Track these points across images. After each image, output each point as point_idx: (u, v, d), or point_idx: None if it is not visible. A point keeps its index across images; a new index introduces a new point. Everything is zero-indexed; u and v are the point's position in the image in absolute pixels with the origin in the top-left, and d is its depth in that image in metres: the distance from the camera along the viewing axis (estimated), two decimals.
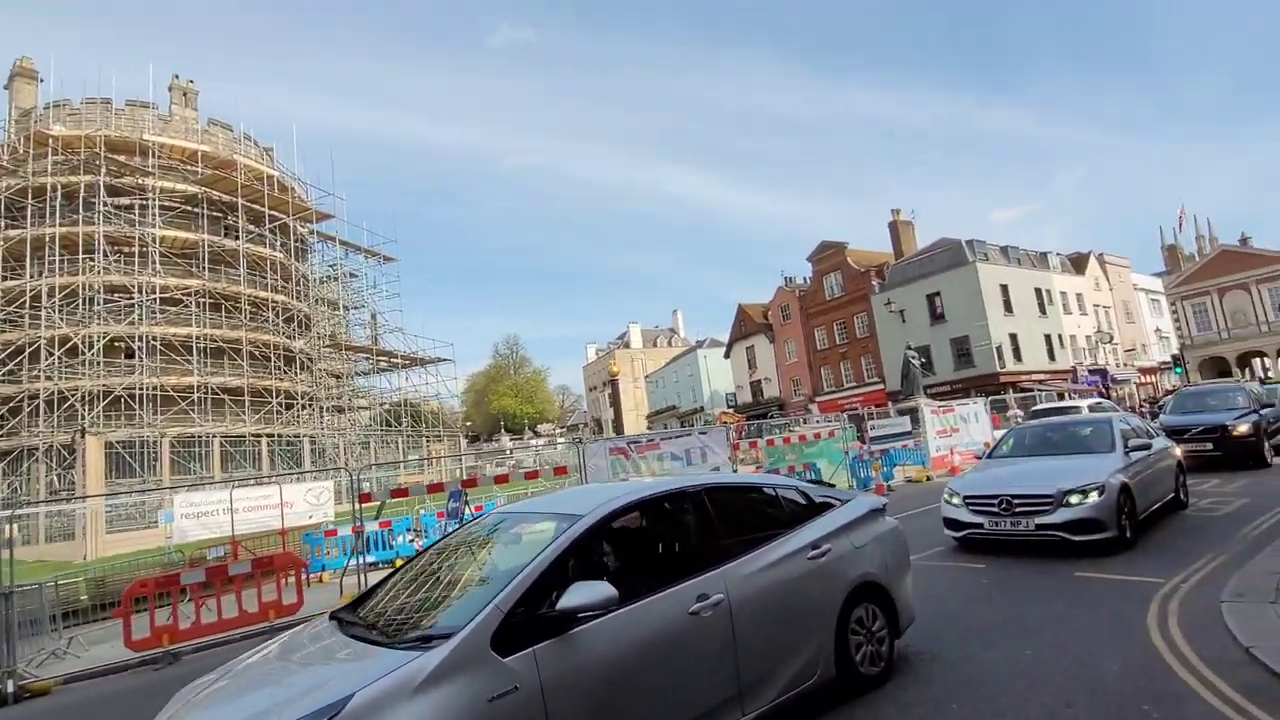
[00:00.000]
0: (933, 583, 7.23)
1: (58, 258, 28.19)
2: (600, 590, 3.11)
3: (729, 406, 59.98)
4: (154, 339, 28.70)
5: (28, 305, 28.11)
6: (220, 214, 33.39)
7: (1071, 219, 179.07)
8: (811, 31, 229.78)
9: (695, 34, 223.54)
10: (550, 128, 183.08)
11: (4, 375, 27.29)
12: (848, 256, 48.74)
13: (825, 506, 4.78)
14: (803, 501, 4.74)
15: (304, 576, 10.11)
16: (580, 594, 3.10)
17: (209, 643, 8.70)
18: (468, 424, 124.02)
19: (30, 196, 28.96)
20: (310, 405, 34.94)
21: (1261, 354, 50.98)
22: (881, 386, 44.16)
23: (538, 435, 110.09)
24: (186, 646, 8.60)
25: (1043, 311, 43.72)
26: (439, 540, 4.72)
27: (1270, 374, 47.19)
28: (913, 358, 29.49)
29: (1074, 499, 7.53)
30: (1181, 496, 9.82)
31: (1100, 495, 7.49)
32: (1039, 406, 24.46)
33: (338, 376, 41.37)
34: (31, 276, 28.32)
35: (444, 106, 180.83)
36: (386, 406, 46.20)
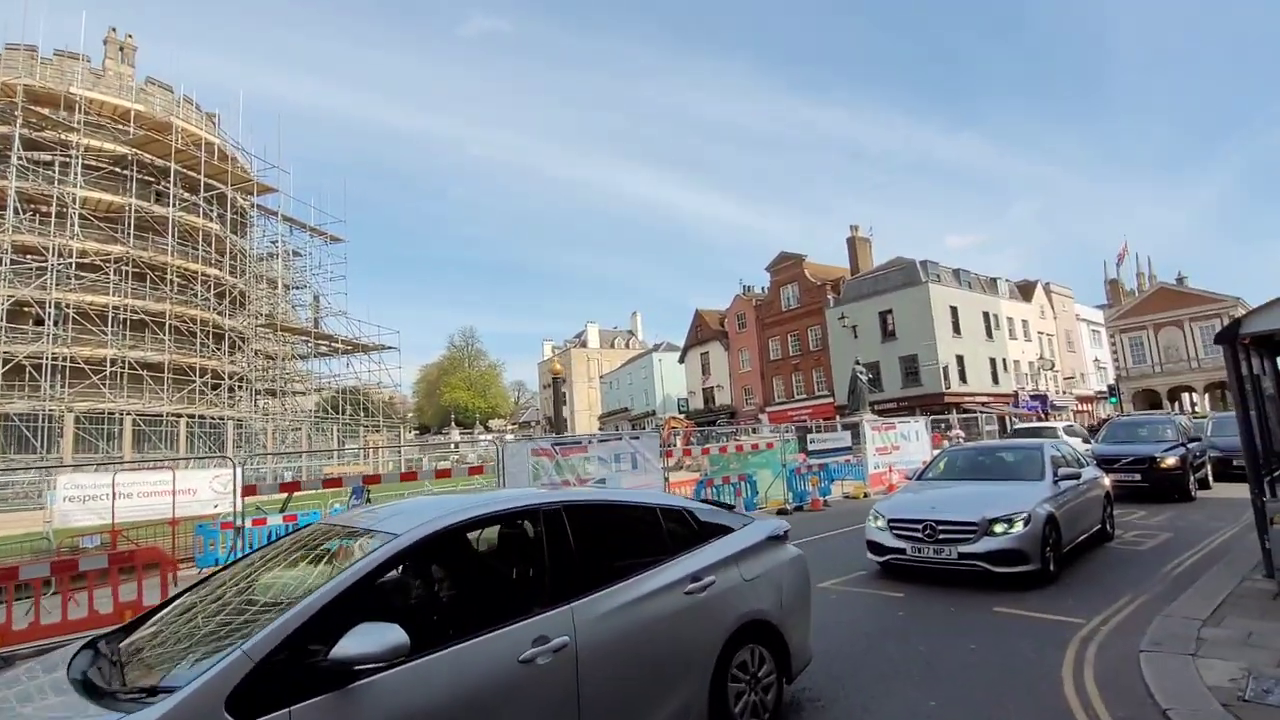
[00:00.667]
0: (847, 611, 6.76)
1: None
2: (387, 637, 2.44)
3: (681, 412, 59.61)
4: (67, 306, 26.78)
5: None
6: (152, 179, 31.53)
7: (1023, 249, 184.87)
8: (791, 46, 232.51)
9: (673, 39, 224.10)
10: (519, 121, 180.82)
11: None
12: (805, 269, 48.94)
13: (714, 531, 4.19)
14: (687, 525, 4.14)
15: (174, 574, 9.13)
16: (361, 640, 2.42)
17: (50, 645, 7.72)
18: (413, 415, 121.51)
19: None
20: (242, 387, 33.24)
21: (1191, 389, 53.07)
22: (831, 400, 44.35)
23: (489, 430, 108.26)
24: (25, 648, 7.61)
25: (989, 335, 44.54)
26: (255, 552, 3.95)
27: (1197, 409, 49.09)
28: (860, 373, 29.48)
29: (999, 528, 7.16)
30: (1108, 528, 9.61)
31: (1025, 525, 7.14)
32: (1020, 426, 24.47)
33: (272, 358, 39.56)
34: None
35: (411, 92, 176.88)
36: (329, 393, 44.66)
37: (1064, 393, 51.52)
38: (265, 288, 38.45)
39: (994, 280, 48.21)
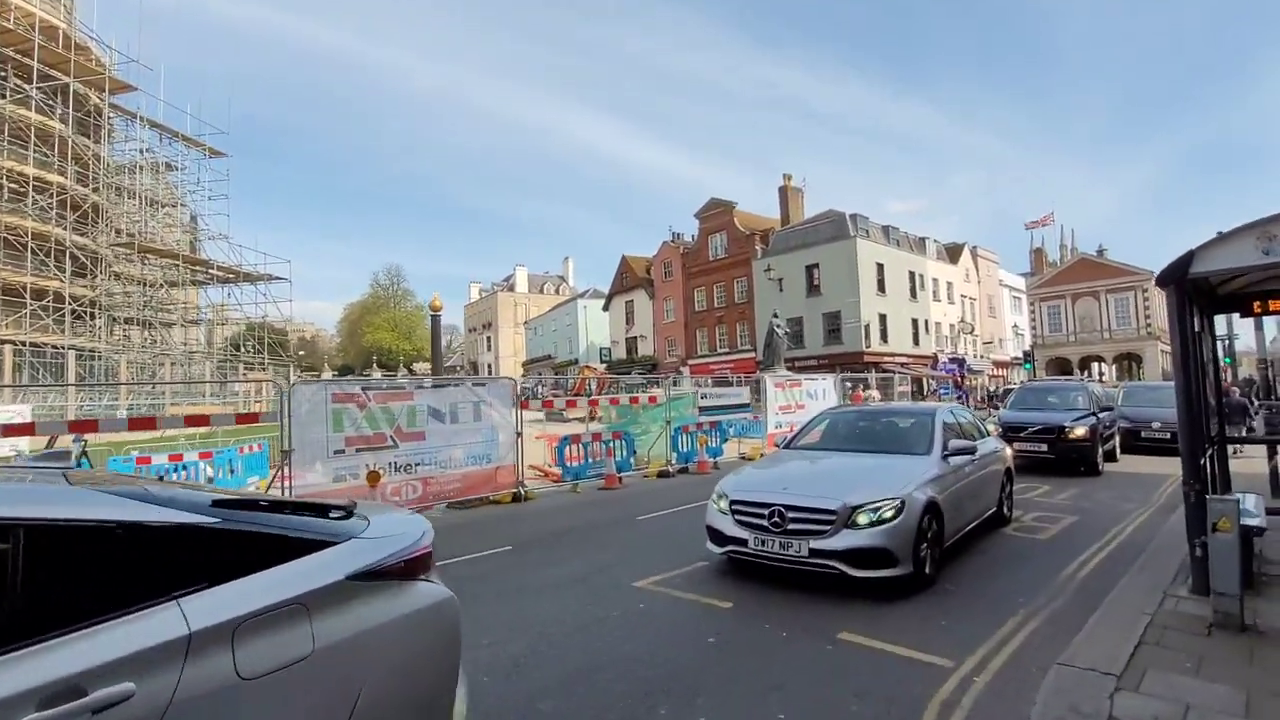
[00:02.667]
0: (644, 630, 4.87)
1: None
2: None
3: (603, 361, 57.65)
4: None
5: None
6: None
7: (960, 218, 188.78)
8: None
9: None
10: (469, 57, 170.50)
11: None
12: (735, 218, 46.95)
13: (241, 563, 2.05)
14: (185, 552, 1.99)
15: None
16: None
17: None
18: (338, 356, 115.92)
19: None
20: (94, 315, 29.14)
21: (1100, 358, 54.40)
22: (754, 354, 43.06)
23: (412, 373, 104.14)
24: None
25: (913, 296, 43.91)
26: None
27: (1104, 378, 50.29)
28: (777, 326, 27.96)
29: (862, 519, 5.36)
30: (1005, 511, 8.10)
31: (896, 517, 5.36)
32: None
33: (142, 284, 35.14)
34: None
35: (356, 15, 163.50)
36: (235, 328, 40.29)
37: (981, 357, 51.95)
38: (129, 203, 33.78)
39: (923, 240, 47.48)
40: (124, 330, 31.73)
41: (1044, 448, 12.45)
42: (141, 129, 33.48)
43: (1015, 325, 59.70)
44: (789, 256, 42.85)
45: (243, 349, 42.35)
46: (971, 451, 6.60)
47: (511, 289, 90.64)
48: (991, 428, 13.16)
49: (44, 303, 26.86)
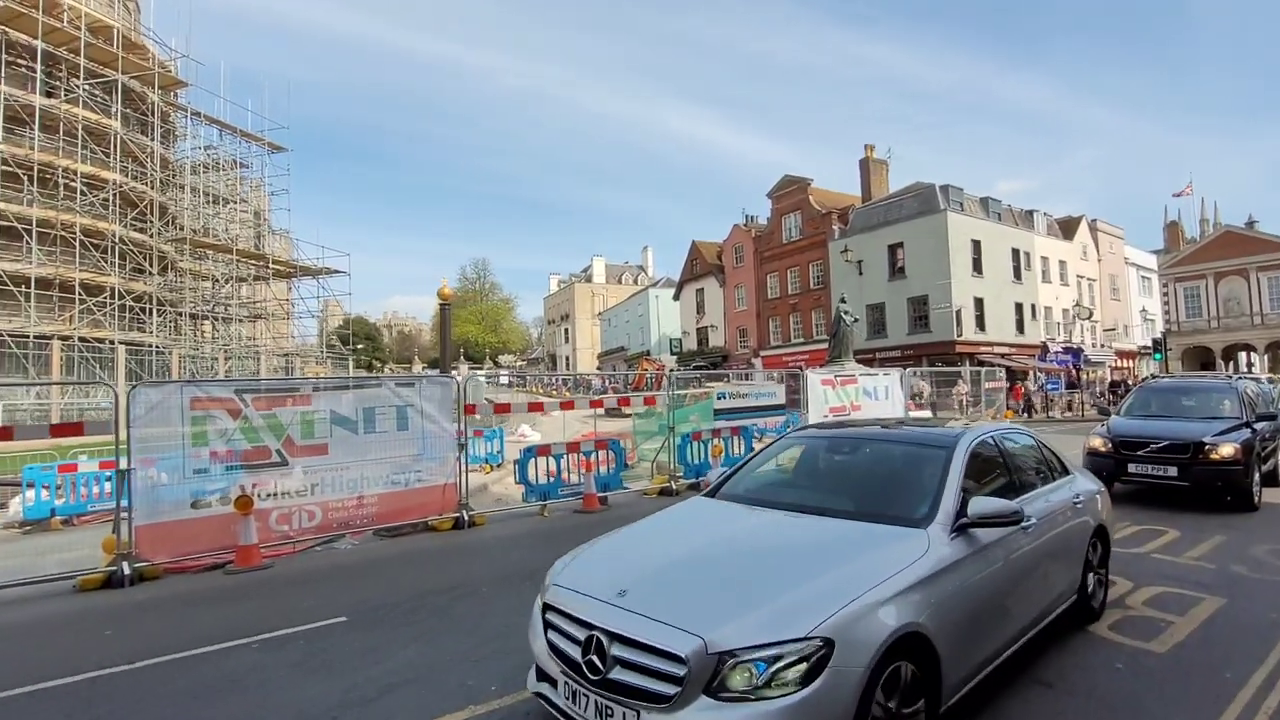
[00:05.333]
0: None
1: None
2: None
3: (673, 353, 55.11)
4: None
5: None
6: (46, 69, 27.14)
7: (1079, 197, 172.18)
8: None
9: None
10: (559, 53, 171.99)
11: None
12: (810, 195, 43.01)
13: None
14: None
15: None
16: None
17: None
18: (432, 350, 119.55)
19: None
20: (148, 310, 29.52)
21: (1250, 348, 46.48)
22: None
23: (498, 366, 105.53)
24: None
25: (1017, 276, 38.59)
26: None
27: (1255, 370, 42.82)
28: (845, 314, 24.45)
29: (737, 680, 2.58)
30: (1092, 596, 4.97)
31: (809, 680, 2.55)
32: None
33: (205, 279, 35.81)
34: None
35: (447, 20, 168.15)
36: (335, 321, 40.73)
37: (1102, 346, 45.54)
38: (191, 199, 34.31)
39: (1029, 213, 41.78)
40: (179, 324, 32.08)
41: (1173, 472, 8.94)
42: (201, 125, 33.89)
43: (1144, 309, 52.23)
44: (870, 235, 38.65)
45: (321, 344, 42.89)
46: (1015, 520, 3.59)
47: (589, 280, 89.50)
48: (1097, 444, 9.74)
49: (100, 298, 27.30)
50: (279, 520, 8.01)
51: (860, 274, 38.71)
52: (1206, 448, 8.75)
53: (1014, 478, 4.43)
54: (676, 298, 57.23)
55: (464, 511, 9.29)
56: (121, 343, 26.83)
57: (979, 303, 36.02)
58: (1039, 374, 36.17)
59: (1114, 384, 34.86)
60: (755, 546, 3.55)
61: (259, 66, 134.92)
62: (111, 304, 27.42)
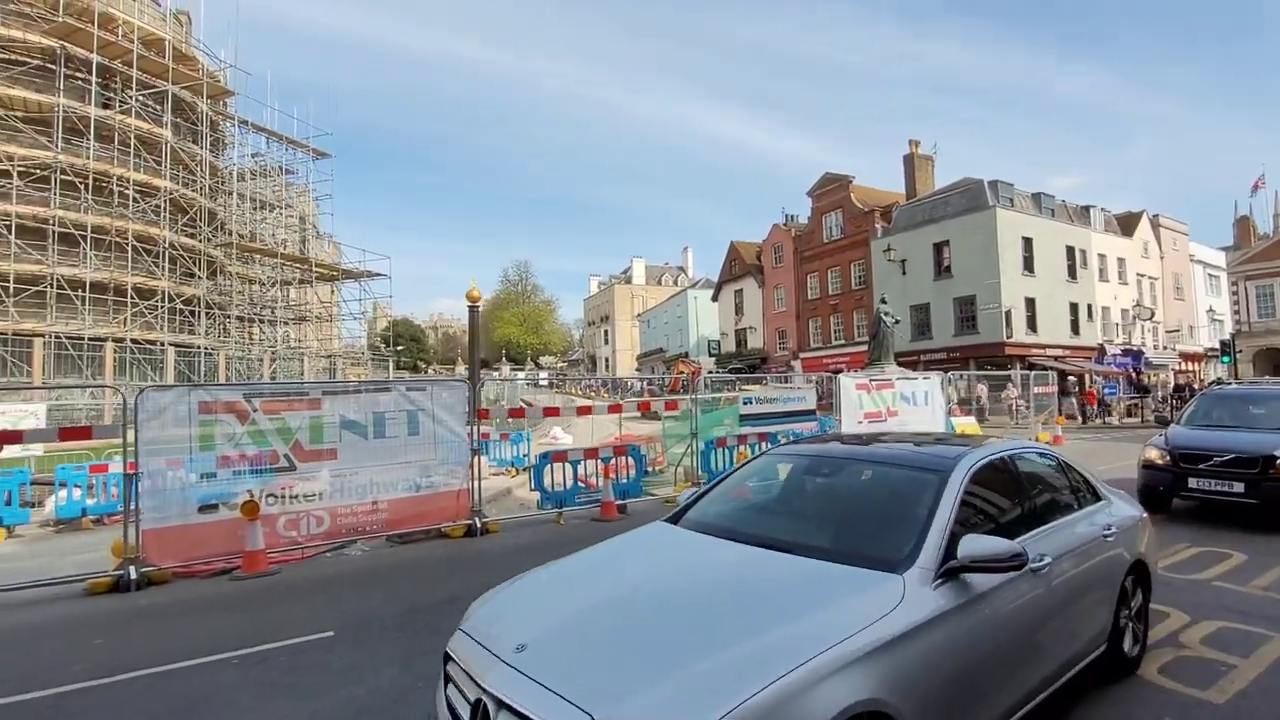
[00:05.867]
0: None
1: None
2: None
3: (711, 354, 54.51)
4: None
5: None
6: (102, 81, 28.27)
7: (1139, 193, 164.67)
8: None
9: None
10: (596, 55, 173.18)
11: None
12: (852, 193, 41.94)
13: None
14: None
15: None
16: None
17: None
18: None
19: None
20: (195, 312, 30.45)
21: None
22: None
23: (539, 367, 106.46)
24: None
25: (1072, 275, 36.84)
26: None
27: None
28: (885, 314, 23.69)
29: None
30: (1127, 645, 4.25)
31: None
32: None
33: (253, 282, 36.85)
34: None
35: (486, 24, 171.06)
36: (381, 323, 41.56)
37: (1165, 348, 43.21)
38: (239, 205, 35.32)
39: (1085, 209, 39.90)
40: (227, 326, 33.00)
41: (1239, 488, 8.15)
42: (249, 134, 34.89)
43: (1211, 309, 49.39)
44: (914, 234, 37.45)
45: (367, 345, 43.78)
46: (1016, 563, 2.95)
47: (629, 281, 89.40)
48: (1153, 455, 8.98)
49: (151, 302, 28.25)
50: (287, 526, 7.91)
51: (904, 273, 37.53)
52: (1279, 461, 7.95)
53: (1028, 507, 3.84)
54: (715, 299, 56.61)
55: (476, 519, 9.09)
56: (171, 344, 27.81)
57: (1030, 303, 34.50)
58: (1096, 377, 34.47)
59: (1177, 388, 32.96)
60: (695, 592, 3.00)
61: (304, 75, 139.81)
62: (162, 307, 28.34)
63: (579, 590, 3.17)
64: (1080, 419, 27.73)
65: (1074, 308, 36.85)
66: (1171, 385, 36.05)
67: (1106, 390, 31.21)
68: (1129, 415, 29.02)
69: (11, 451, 12.06)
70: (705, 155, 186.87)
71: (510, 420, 16.52)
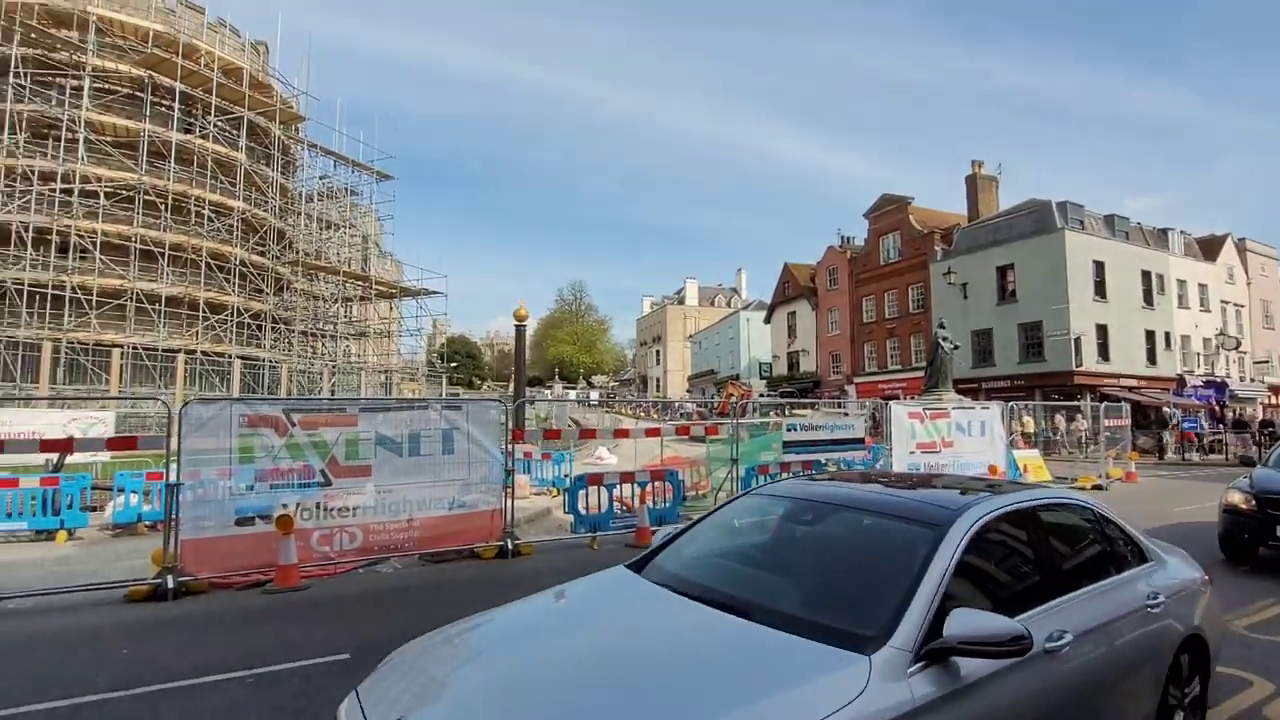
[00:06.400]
0: None
1: None
2: None
3: (763, 377, 53.74)
4: (62, 232, 25.85)
5: None
6: (184, 107, 30.11)
7: (1223, 214, 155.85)
8: None
9: None
10: (658, 79, 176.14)
11: None
12: (910, 215, 40.91)
13: None
14: None
15: None
16: None
17: None
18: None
19: None
20: (262, 326, 31.77)
21: None
22: None
23: (591, 386, 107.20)
24: None
25: (1148, 301, 34.90)
26: None
27: None
28: (943, 340, 22.78)
29: None
30: None
31: None
32: None
33: (317, 298, 38.28)
34: None
35: (547, 51, 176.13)
36: (439, 339, 42.74)
37: (1253, 380, 40.38)
38: (304, 224, 36.86)
39: (1163, 232, 37.86)
40: (291, 340, 34.27)
41: None
42: (318, 157, 36.47)
43: None
44: (976, 256, 36.20)
45: (425, 361, 44.87)
46: (1018, 647, 2.41)
47: (681, 302, 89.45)
48: (1236, 500, 8.21)
49: (221, 316, 29.61)
50: (320, 541, 7.96)
51: (965, 297, 36.25)
52: None
53: (1051, 571, 3.27)
54: (768, 320, 55.94)
55: (508, 540, 8.98)
56: (238, 357, 28.99)
57: (1102, 330, 32.77)
58: (1174, 409, 32.37)
59: (1265, 424, 30.62)
60: (616, 671, 2.50)
61: (370, 99, 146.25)
62: (231, 321, 29.65)
63: (487, 655, 2.82)
64: (1158, 455, 26.02)
65: (1150, 336, 34.84)
66: (1258, 420, 33.53)
67: (1186, 423, 29.24)
68: (1211, 452, 27.07)
69: (80, 457, 12.68)
70: (761, 175, 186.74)
71: (548, 440, 16.52)
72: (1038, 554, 3.29)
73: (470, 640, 3.00)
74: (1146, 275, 35.09)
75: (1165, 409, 32.96)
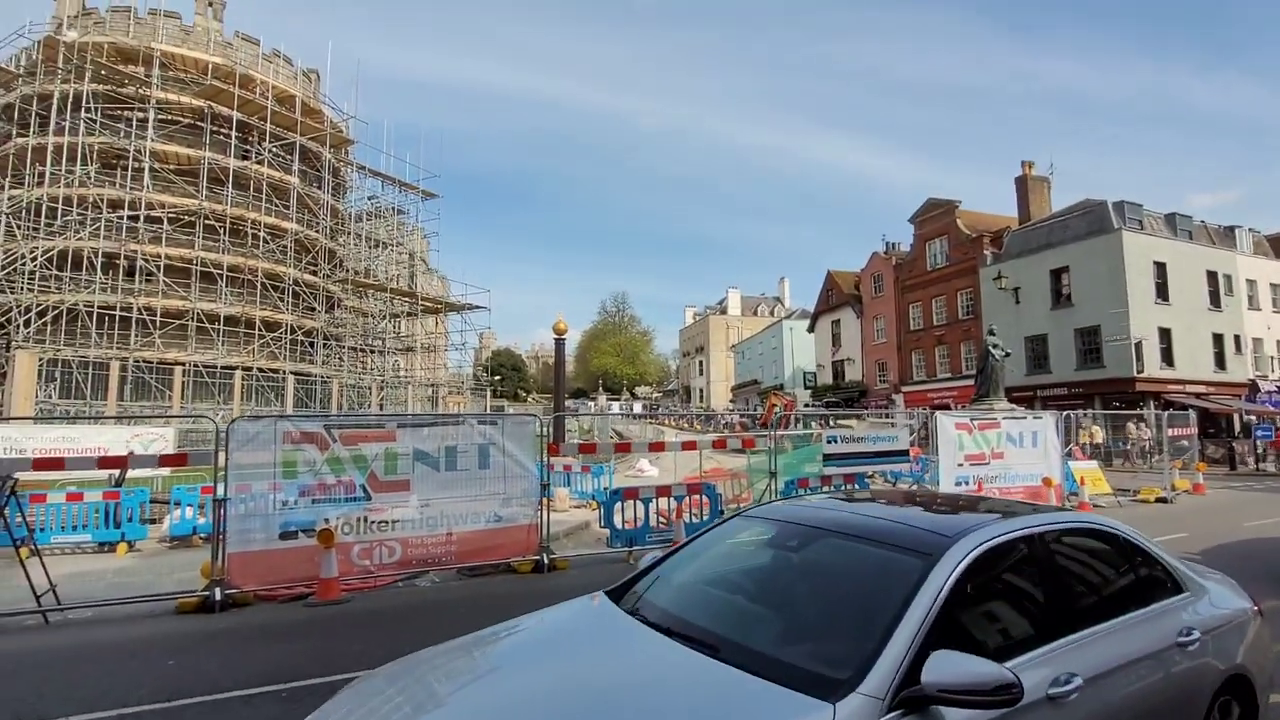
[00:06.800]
0: None
1: (47, 168, 27.21)
2: None
3: (807, 386, 52.95)
4: (143, 257, 27.24)
5: (30, 217, 27.45)
6: (241, 135, 31.51)
7: None
8: None
9: None
10: (695, 91, 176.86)
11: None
12: (958, 218, 39.89)
13: None
14: None
15: None
16: None
17: None
18: (571, 380, 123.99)
19: (36, 104, 28.17)
20: (313, 343, 32.83)
21: None
22: None
23: (635, 398, 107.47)
24: None
25: (1215, 303, 33.18)
26: None
27: None
28: (993, 347, 22.15)
29: None
30: None
31: None
32: None
33: (365, 315, 39.39)
34: (30, 187, 27.62)
35: (588, 67, 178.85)
36: (485, 354, 43.69)
37: None
38: (353, 244, 38.04)
39: (1229, 230, 36.03)
40: (341, 356, 35.30)
41: None
42: (366, 178, 37.64)
43: None
44: (1028, 260, 35.03)
45: (472, 374, 45.68)
46: (1006, 697, 2.14)
47: (724, 311, 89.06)
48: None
49: (276, 333, 30.70)
50: (360, 555, 8.11)
51: (1017, 302, 35.10)
52: None
53: (1061, 606, 2.90)
54: (811, 329, 55.19)
55: (544, 555, 9.00)
56: (291, 373, 29.96)
57: (1165, 334, 31.28)
58: (1247, 416, 30.63)
59: None
60: (558, 713, 2.34)
61: (416, 119, 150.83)
62: (285, 338, 30.71)
63: (438, 697, 2.67)
64: (1229, 465, 24.65)
65: (1218, 339, 33.09)
66: None
67: (1260, 431, 27.61)
68: None
69: (141, 471, 13.24)
70: (803, 182, 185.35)
71: (585, 453, 16.57)
72: (1048, 586, 2.96)
73: (412, 678, 2.86)
74: (1213, 276, 33.39)
75: (1236, 416, 31.27)
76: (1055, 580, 3.00)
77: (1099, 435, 25.12)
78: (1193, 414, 19.75)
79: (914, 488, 15.82)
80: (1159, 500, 15.55)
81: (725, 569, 3.49)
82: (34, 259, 25.33)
